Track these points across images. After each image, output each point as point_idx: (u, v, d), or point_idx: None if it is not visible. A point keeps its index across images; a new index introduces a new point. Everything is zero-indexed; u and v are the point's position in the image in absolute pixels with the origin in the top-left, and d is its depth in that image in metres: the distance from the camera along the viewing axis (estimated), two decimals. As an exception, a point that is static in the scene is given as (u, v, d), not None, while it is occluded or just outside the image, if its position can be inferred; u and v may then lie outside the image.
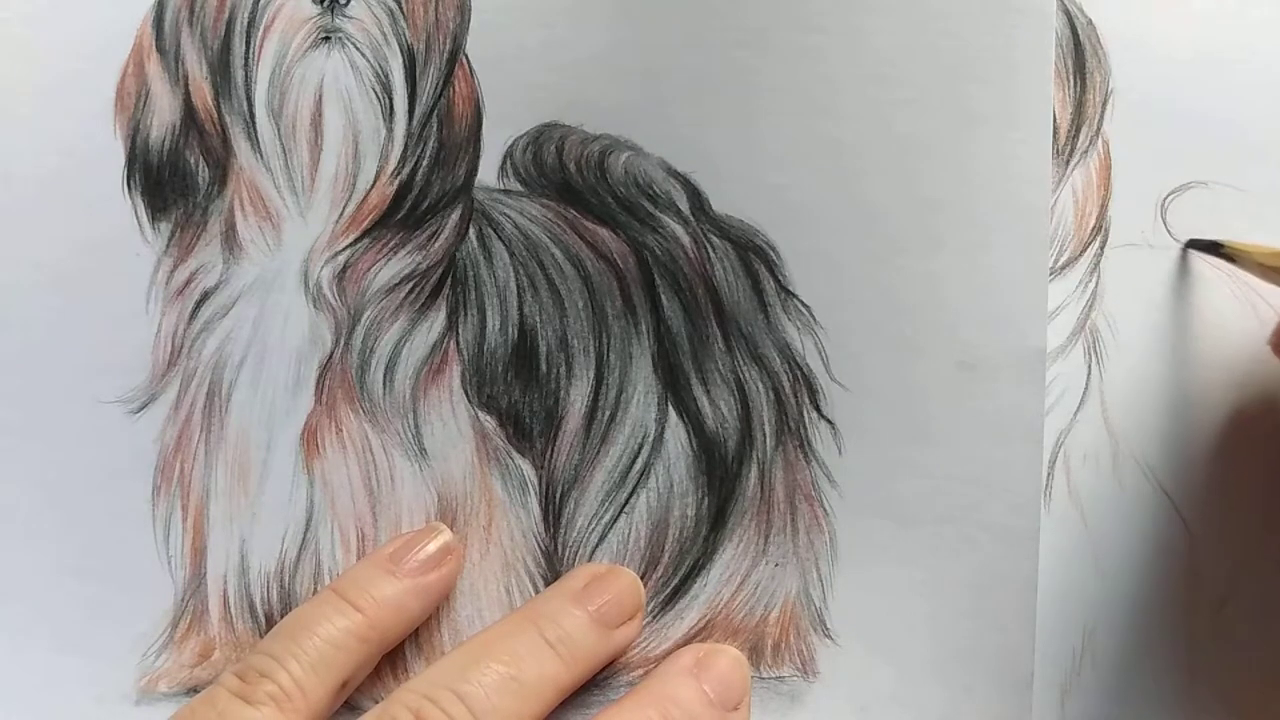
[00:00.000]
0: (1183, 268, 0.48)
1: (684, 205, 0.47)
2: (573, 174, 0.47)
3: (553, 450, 0.47)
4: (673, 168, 0.47)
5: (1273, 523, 0.47)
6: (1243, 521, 0.47)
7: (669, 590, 0.47)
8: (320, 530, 0.47)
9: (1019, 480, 0.46)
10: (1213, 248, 0.47)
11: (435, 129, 0.47)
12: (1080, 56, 0.48)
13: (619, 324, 0.47)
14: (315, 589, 0.46)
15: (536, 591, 0.47)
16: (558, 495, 0.47)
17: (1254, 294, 0.47)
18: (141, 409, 0.47)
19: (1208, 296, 0.48)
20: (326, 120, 0.47)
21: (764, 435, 0.47)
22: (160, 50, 0.47)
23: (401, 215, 0.47)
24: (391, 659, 0.46)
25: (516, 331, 0.47)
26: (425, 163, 0.47)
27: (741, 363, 0.47)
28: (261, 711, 0.41)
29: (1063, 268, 0.48)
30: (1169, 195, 0.48)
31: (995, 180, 0.46)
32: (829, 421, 0.47)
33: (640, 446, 0.47)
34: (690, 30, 0.47)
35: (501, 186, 0.47)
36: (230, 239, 0.47)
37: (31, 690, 0.46)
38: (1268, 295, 0.47)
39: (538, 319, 0.47)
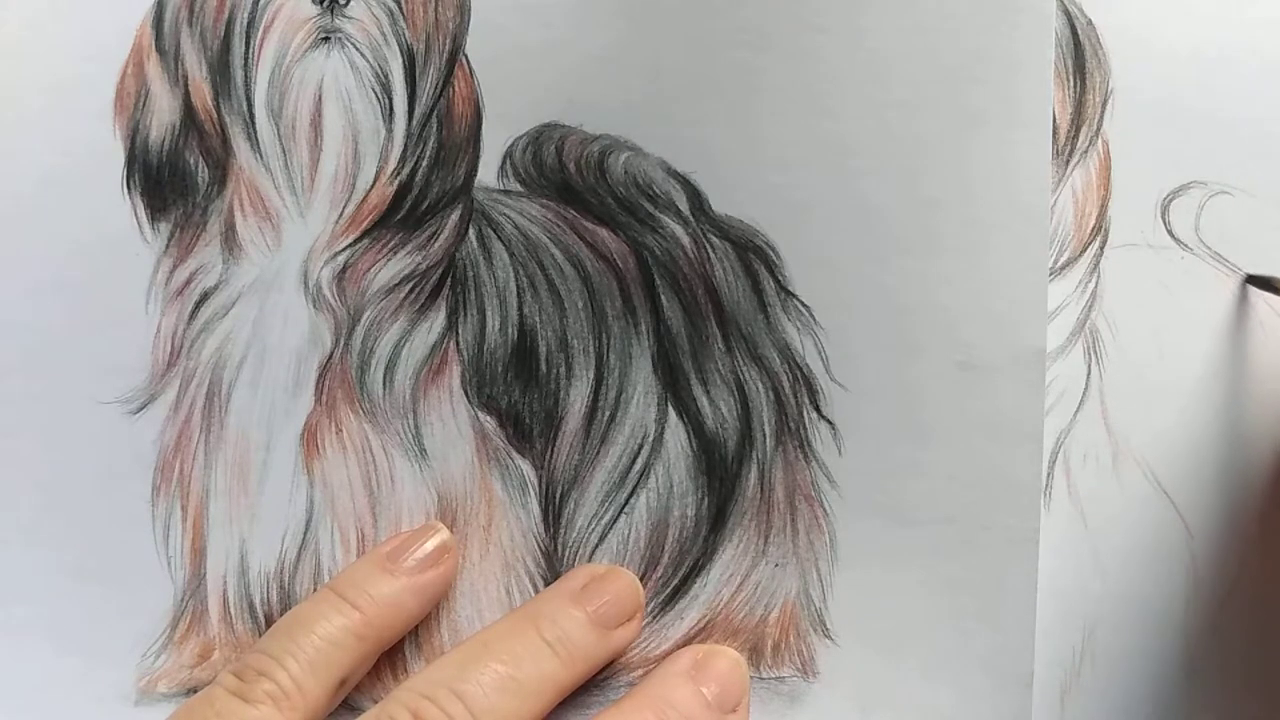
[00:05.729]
0: (1183, 268, 0.48)
1: (684, 205, 0.47)
2: (572, 174, 0.47)
3: (553, 450, 0.47)
4: (673, 168, 0.47)
5: (1273, 523, 0.47)
6: (1243, 521, 0.47)
7: (669, 590, 0.47)
8: (320, 530, 0.47)
9: (1019, 480, 0.46)
10: (1267, 285, 0.47)
11: (435, 129, 0.47)
12: (1080, 56, 0.48)
13: (619, 324, 0.47)
14: (315, 589, 0.46)
15: (536, 592, 0.47)
16: (558, 495, 0.47)
17: (1253, 293, 0.47)
18: (141, 409, 0.47)
19: (1207, 296, 0.48)
20: (326, 120, 0.47)
21: (764, 435, 0.47)
22: (160, 50, 0.47)
23: (401, 215, 0.47)
24: (391, 658, 0.46)
25: (516, 332, 0.47)
26: (425, 163, 0.47)
27: (741, 363, 0.47)
28: (260, 710, 0.41)
29: (1063, 268, 0.48)
30: (1169, 195, 0.48)
31: (995, 180, 0.46)
32: (829, 421, 0.47)
33: (640, 447, 0.47)
34: (690, 30, 0.47)
35: (501, 187, 0.47)
36: (230, 239, 0.47)
37: (31, 690, 0.46)
38: (1267, 295, 0.47)
39: (538, 319, 0.47)
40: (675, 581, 0.47)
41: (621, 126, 0.47)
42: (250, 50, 0.47)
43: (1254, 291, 0.47)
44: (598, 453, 0.47)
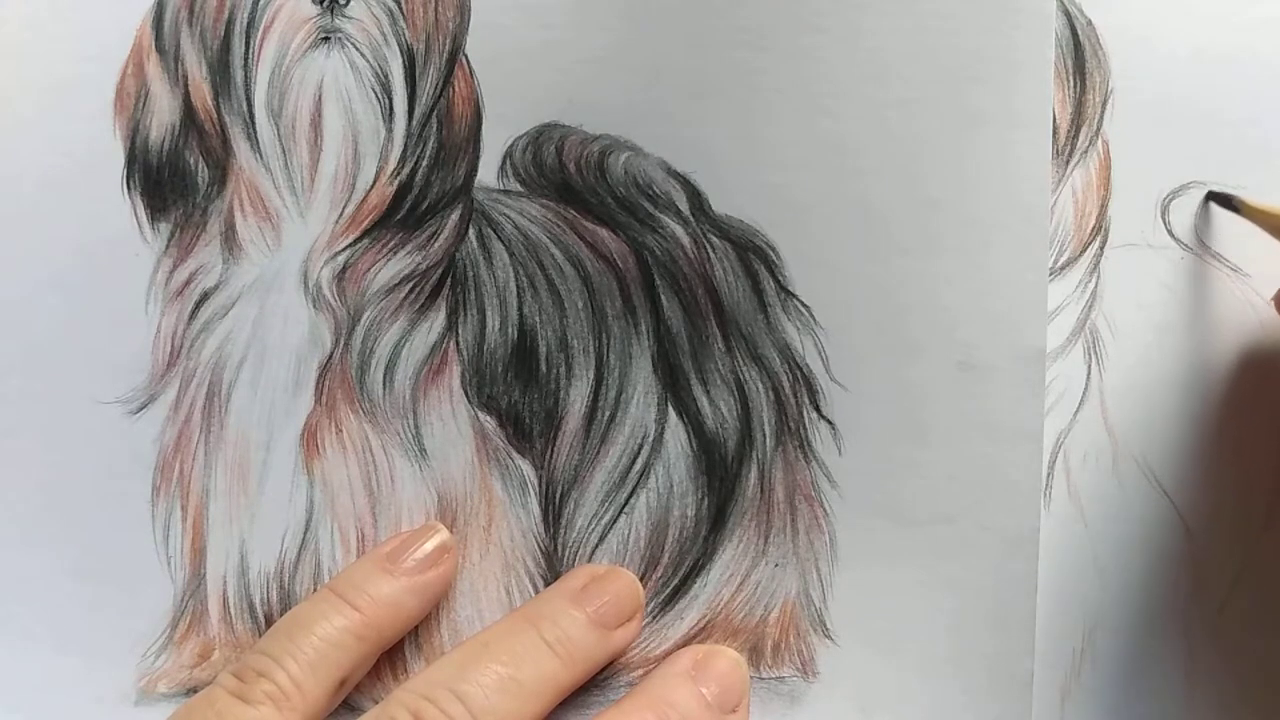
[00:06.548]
0: (1183, 268, 0.48)
1: (684, 205, 0.47)
2: (572, 174, 0.47)
3: (553, 450, 0.47)
4: (673, 168, 0.47)
5: (1273, 523, 0.47)
6: (1243, 521, 0.47)
7: (669, 590, 0.47)
8: (320, 531, 0.47)
9: (1019, 480, 0.46)
10: (1227, 202, 0.47)
11: (435, 129, 0.47)
12: (1080, 56, 0.48)
13: (619, 324, 0.47)
14: (315, 589, 0.46)
15: (536, 592, 0.47)
16: (558, 495, 0.47)
17: (1253, 293, 0.47)
18: (141, 409, 0.47)
19: (1207, 296, 0.48)
20: (326, 120, 0.47)
21: (764, 435, 0.47)
22: (160, 50, 0.47)
23: (401, 215, 0.47)
24: (391, 659, 0.46)
25: (516, 332, 0.47)
26: (425, 163, 0.47)
27: (741, 363, 0.47)
28: (259, 711, 0.41)
29: (1063, 268, 0.48)
30: (1169, 195, 0.48)
31: (995, 180, 0.46)
32: (829, 421, 0.47)
33: (640, 447, 0.47)
34: (690, 30, 0.47)
35: (501, 187, 0.47)
36: (230, 239, 0.47)
37: (31, 690, 0.46)
38: (1267, 295, 0.47)
39: (537, 319, 0.47)
40: (675, 581, 0.47)
41: (621, 126, 0.47)
42: (250, 50, 0.47)
43: (1255, 291, 0.47)
44: (598, 453, 0.47)
